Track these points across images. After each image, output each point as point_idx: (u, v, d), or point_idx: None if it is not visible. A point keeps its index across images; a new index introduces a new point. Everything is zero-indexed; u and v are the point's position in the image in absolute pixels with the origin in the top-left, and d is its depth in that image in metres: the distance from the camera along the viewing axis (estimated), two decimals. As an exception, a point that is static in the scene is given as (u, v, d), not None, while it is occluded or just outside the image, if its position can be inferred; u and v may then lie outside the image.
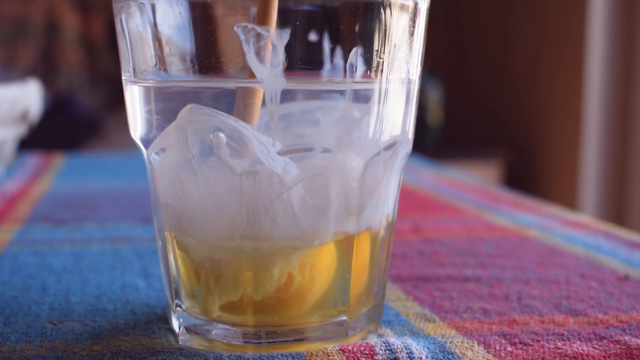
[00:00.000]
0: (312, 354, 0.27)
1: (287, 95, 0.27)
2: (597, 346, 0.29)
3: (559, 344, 0.29)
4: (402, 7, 0.28)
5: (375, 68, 0.28)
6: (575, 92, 1.71)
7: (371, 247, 0.30)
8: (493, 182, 1.50)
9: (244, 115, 0.27)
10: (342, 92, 0.27)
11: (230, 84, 0.28)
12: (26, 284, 0.37)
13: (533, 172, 1.89)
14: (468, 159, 1.86)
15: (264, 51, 0.26)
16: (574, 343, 0.29)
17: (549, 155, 1.82)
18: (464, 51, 2.21)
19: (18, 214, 0.56)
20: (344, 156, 0.28)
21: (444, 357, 0.28)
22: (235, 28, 0.26)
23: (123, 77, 0.30)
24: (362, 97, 0.28)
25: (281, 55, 0.26)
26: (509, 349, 0.29)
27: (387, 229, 0.31)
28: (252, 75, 0.26)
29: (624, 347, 0.29)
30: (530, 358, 0.28)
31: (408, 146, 0.31)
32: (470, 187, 0.72)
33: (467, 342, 0.29)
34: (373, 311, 0.31)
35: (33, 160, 0.93)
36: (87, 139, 1.77)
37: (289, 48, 0.26)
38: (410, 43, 0.29)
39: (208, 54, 0.27)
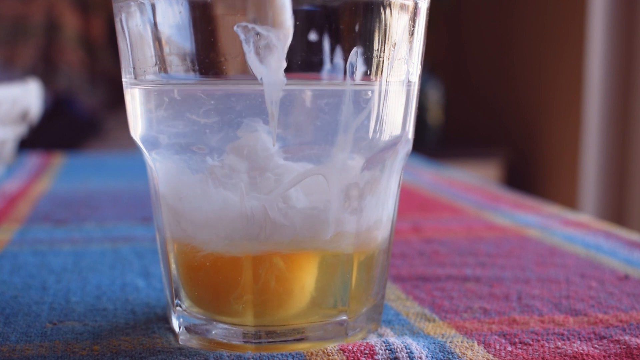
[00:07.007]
0: (312, 354, 0.27)
1: (287, 95, 0.27)
2: (597, 346, 0.29)
3: (559, 343, 0.29)
4: (402, 7, 0.28)
5: (375, 68, 0.28)
6: (575, 92, 1.71)
7: (371, 247, 0.30)
8: (493, 182, 1.50)
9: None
10: (342, 92, 0.27)
11: (230, 84, 0.28)
12: (26, 284, 0.37)
13: (533, 172, 1.89)
14: (468, 159, 1.86)
15: (264, 51, 0.26)
16: (574, 343, 0.29)
17: (549, 155, 1.82)
18: (464, 51, 2.21)
19: (18, 213, 0.56)
20: (343, 156, 0.28)
21: (444, 356, 0.28)
22: (235, 28, 0.26)
23: (123, 77, 0.30)
24: (362, 97, 0.28)
25: (281, 55, 0.26)
26: (509, 348, 0.29)
27: (387, 229, 0.31)
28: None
29: (624, 346, 0.29)
30: (530, 358, 0.28)
31: (408, 146, 0.31)
32: (470, 187, 0.72)
33: (467, 342, 0.29)
34: (373, 311, 0.31)
35: (33, 160, 0.93)
36: (87, 139, 1.77)
37: (289, 48, 0.26)
38: (410, 43, 0.29)
39: (208, 53, 0.27)
